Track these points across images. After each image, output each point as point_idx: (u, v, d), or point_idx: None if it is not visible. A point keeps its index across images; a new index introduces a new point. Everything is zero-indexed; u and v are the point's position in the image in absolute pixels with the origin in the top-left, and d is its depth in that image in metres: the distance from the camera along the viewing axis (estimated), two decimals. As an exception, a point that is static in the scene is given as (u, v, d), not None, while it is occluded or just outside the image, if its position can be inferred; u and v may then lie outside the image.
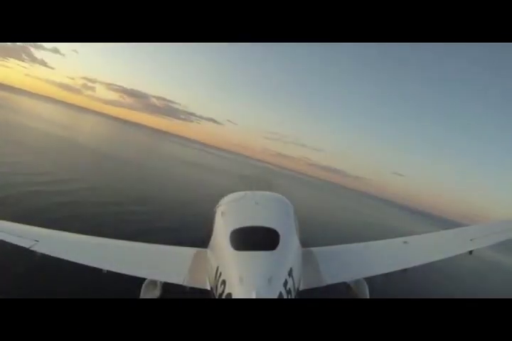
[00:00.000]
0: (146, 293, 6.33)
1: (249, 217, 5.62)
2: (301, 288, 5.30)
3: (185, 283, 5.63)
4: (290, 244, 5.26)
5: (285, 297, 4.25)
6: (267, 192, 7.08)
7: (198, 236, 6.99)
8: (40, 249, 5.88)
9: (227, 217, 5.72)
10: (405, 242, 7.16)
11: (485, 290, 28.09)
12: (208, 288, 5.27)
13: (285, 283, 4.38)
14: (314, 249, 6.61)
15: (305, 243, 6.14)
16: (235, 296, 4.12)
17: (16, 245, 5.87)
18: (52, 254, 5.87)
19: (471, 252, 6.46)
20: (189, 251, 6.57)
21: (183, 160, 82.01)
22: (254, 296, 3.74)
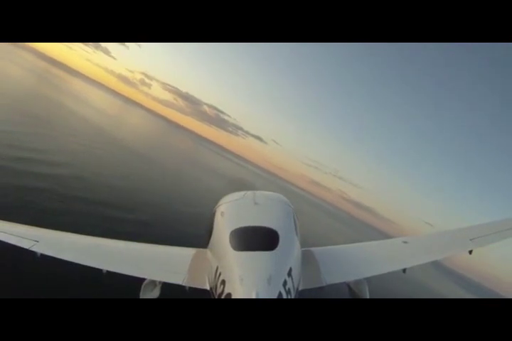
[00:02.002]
0: (146, 293, 6.32)
1: (249, 216, 5.61)
2: (301, 288, 5.30)
3: (184, 283, 5.62)
4: (290, 244, 5.25)
5: (285, 297, 4.25)
6: (267, 192, 7.07)
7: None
8: (40, 249, 5.87)
9: (227, 217, 5.72)
10: (405, 242, 7.17)
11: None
12: (208, 288, 5.26)
13: (285, 283, 4.38)
14: (314, 249, 6.61)
15: (305, 243, 6.14)
16: (234, 296, 4.11)
17: (16, 245, 5.87)
18: (52, 255, 5.86)
19: (470, 252, 6.46)
20: (188, 251, 6.57)
21: (221, 173, 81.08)
22: (253, 296, 3.74)
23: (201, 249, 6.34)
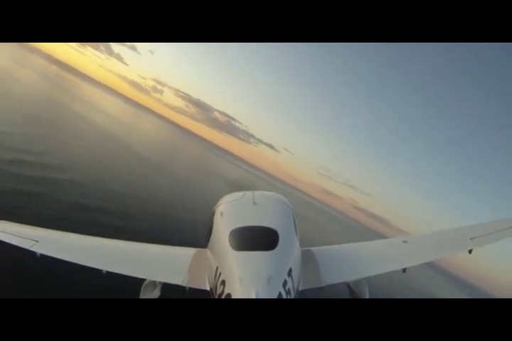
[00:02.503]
0: (146, 294, 6.32)
1: (248, 216, 5.61)
2: (301, 288, 5.30)
3: (184, 284, 5.62)
4: (289, 243, 5.25)
5: (284, 297, 4.24)
6: (267, 192, 7.06)
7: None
8: (40, 249, 5.87)
9: (226, 217, 5.71)
10: (405, 241, 7.17)
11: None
12: (208, 289, 5.26)
13: (284, 283, 4.38)
14: (314, 249, 6.61)
15: (304, 243, 6.14)
16: (234, 296, 4.11)
17: (16, 245, 5.87)
18: (52, 255, 5.86)
19: (470, 251, 6.46)
20: (188, 251, 6.56)
21: (232, 180, 79.36)
22: (253, 296, 3.74)
23: (201, 249, 6.34)
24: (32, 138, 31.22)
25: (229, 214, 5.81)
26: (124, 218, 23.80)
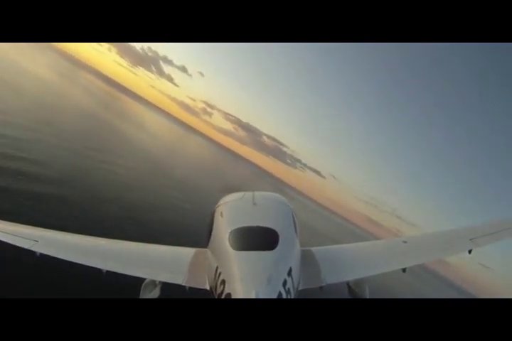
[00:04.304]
0: (145, 293, 6.33)
1: (248, 217, 5.62)
2: (301, 287, 5.30)
3: (184, 283, 5.63)
4: (289, 243, 5.25)
5: (284, 297, 4.25)
6: (266, 193, 7.07)
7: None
8: (40, 249, 5.87)
9: (226, 217, 5.73)
10: (405, 242, 7.17)
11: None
12: (208, 288, 5.27)
13: (284, 283, 4.38)
14: (314, 249, 6.61)
15: (304, 243, 6.14)
16: (234, 296, 4.12)
17: (16, 245, 5.87)
18: (52, 254, 5.86)
19: (470, 252, 6.45)
20: (188, 251, 6.57)
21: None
22: (253, 296, 3.74)
23: (201, 249, 6.34)
24: (75, 155, 31.29)
25: (229, 215, 5.82)
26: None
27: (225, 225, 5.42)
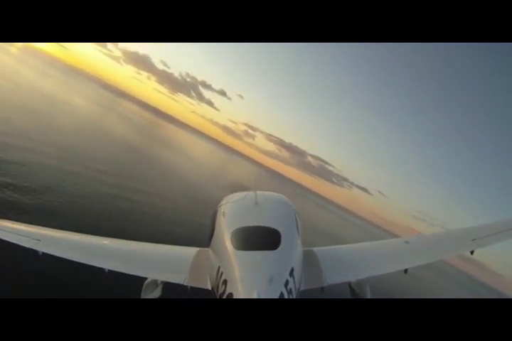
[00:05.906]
0: (147, 293, 6.33)
1: (250, 216, 5.61)
2: (302, 288, 5.30)
3: (186, 283, 5.62)
4: (291, 243, 5.24)
5: (286, 297, 4.24)
6: (269, 193, 7.06)
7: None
8: (42, 248, 5.87)
9: (228, 217, 5.72)
10: (407, 242, 7.15)
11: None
12: (209, 288, 5.26)
13: (286, 283, 4.37)
14: (316, 249, 6.60)
15: (306, 243, 6.13)
16: (236, 296, 4.11)
17: (17, 244, 5.87)
18: (54, 253, 5.86)
19: (472, 252, 6.44)
20: (190, 251, 6.57)
21: (322, 228, 74.51)
22: (255, 296, 3.73)
23: (203, 249, 6.34)
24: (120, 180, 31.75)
25: (231, 214, 5.81)
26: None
27: (227, 225, 5.41)
